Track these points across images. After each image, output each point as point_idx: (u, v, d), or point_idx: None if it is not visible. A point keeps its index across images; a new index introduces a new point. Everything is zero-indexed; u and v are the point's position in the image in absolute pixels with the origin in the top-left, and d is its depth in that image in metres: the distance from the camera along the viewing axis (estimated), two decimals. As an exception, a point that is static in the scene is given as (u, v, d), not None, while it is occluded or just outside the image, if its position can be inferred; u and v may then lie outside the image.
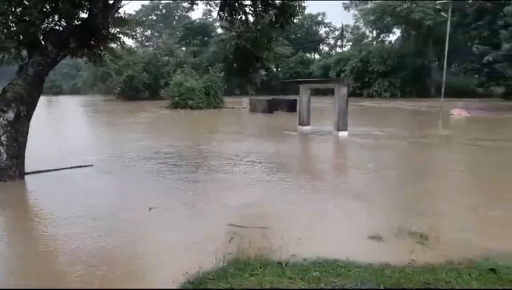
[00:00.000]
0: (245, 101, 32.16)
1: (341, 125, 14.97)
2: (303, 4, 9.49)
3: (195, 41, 64.05)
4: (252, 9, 10.22)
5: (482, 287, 3.55)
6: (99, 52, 9.19)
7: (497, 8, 32.65)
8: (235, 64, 11.55)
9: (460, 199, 7.06)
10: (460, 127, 19.46)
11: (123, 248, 4.74)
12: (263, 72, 48.82)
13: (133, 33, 11.03)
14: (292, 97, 27.57)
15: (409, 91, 44.88)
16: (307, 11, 65.88)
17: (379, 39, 58.46)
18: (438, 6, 30.50)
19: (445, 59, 26.00)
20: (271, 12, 9.79)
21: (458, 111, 24.34)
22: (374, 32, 59.41)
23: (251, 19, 10.33)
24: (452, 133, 17.06)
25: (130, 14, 9.99)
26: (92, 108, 35.43)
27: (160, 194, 7.13)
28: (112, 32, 9.13)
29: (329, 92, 21.91)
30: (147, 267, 4.35)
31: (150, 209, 6.09)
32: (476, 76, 35.57)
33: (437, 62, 46.59)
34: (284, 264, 4.10)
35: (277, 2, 9.77)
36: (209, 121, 23.57)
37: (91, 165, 9.43)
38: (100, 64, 9.93)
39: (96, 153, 11.30)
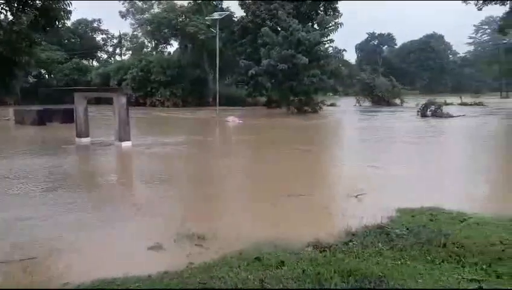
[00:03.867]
0: (10, 111, 27.59)
1: (123, 136, 14.53)
2: (68, 8, 8.75)
3: None
4: (6, 8, 8.84)
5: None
6: None
7: (257, 28, 37.79)
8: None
9: (236, 200, 7.81)
10: (235, 132, 21.64)
11: None
12: (30, 80, 43.03)
13: None
14: (70, 107, 24.99)
15: (189, 101, 47.25)
16: (80, 16, 61.79)
17: (158, 49, 59.52)
18: (207, 22, 33.09)
19: (217, 71, 28.48)
20: (30, 13, 8.67)
21: (233, 119, 26.93)
22: (153, 42, 60.15)
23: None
24: (228, 138, 18.81)
25: None
26: None
27: None
28: None
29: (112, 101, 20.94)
30: None
31: None
32: (246, 87, 40.06)
33: (212, 74, 50.61)
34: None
35: (37, 2, 8.73)
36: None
37: None
38: None
39: None
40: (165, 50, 59.94)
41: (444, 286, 3.63)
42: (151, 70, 46.69)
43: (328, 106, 39.02)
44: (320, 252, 4.57)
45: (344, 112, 37.24)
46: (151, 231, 5.66)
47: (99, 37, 67.98)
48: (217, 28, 28.46)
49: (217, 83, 29.67)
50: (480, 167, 10.80)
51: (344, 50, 37.60)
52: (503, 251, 4.36)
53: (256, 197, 7.91)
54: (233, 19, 44.57)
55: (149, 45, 63.84)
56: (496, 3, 39.64)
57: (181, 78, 47.06)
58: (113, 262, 4.62)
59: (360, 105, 44.91)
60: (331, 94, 46.25)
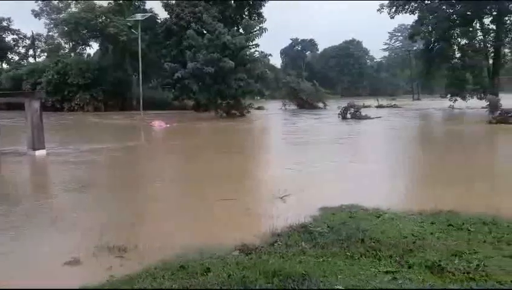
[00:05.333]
0: None
1: (37, 144, 13.47)
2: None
3: None
4: None
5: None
6: None
7: (182, 30, 37.27)
8: None
9: (160, 207, 7.57)
10: (160, 137, 21.10)
11: None
12: None
13: None
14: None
15: (112, 104, 45.19)
16: (-15, 14, 56.38)
17: (77, 51, 56.24)
18: (129, 24, 32.00)
19: (140, 74, 27.63)
20: None
21: (159, 123, 26.22)
22: (70, 43, 56.71)
23: None
24: (153, 143, 18.28)
25: None
26: None
27: None
28: None
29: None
30: None
31: None
32: (172, 90, 39.23)
33: (136, 76, 48.91)
34: None
35: None
36: None
37: None
38: None
39: None
40: (84, 52, 56.84)
41: (362, 279, 3.81)
42: (69, 73, 43.88)
43: (255, 109, 39.56)
44: (246, 255, 4.58)
45: (271, 115, 38.05)
46: (67, 245, 5.27)
47: (9, 38, 62.48)
48: (139, 29, 27.62)
49: (141, 85, 28.77)
50: (395, 165, 11.60)
51: (270, 55, 38.31)
52: (414, 242, 4.70)
53: (181, 203, 7.76)
54: (157, 20, 43.59)
55: (66, 46, 60.09)
56: (406, 13, 43.08)
57: (102, 81, 44.86)
58: (24, 281, 4.22)
59: (286, 108, 46.12)
60: (258, 98, 46.89)
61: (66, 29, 47.94)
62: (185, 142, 18.23)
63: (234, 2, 41.07)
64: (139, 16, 32.44)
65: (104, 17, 44.76)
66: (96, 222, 6.51)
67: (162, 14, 42.86)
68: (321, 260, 4.30)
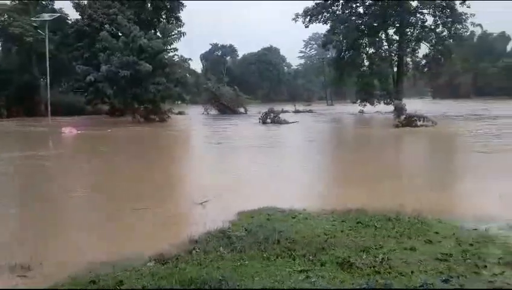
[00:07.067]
0: None
1: None
2: None
3: None
4: None
5: None
6: None
7: (94, 32, 35.44)
8: None
9: (71, 219, 7.08)
10: (71, 144, 19.79)
11: None
12: None
13: None
14: None
15: (17, 110, 41.36)
16: None
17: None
18: (35, 24, 29.81)
19: (48, 77, 25.80)
20: None
21: (69, 129, 24.59)
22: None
23: None
24: (62, 151, 17.09)
25: None
26: None
27: None
28: None
29: None
30: None
31: None
32: (85, 94, 37.08)
33: (44, 79, 45.40)
34: None
35: None
36: None
37: None
38: None
39: None
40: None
41: (278, 280, 3.90)
42: (-36, 75, 39.49)
43: (176, 114, 38.91)
44: (163, 264, 4.45)
45: (192, 121, 37.65)
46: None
47: None
48: (47, 30, 25.75)
49: (48, 89, 26.80)
50: (311, 167, 12.11)
51: (190, 59, 38.03)
52: (326, 241, 4.92)
53: (93, 215, 7.33)
54: (68, 21, 41.03)
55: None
56: (319, 22, 45.44)
57: (5, 84, 40.90)
58: None
59: (208, 113, 46.01)
60: (179, 102, 46.22)
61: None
62: (98, 149, 17.29)
63: (151, 5, 40.13)
64: (46, 16, 30.23)
65: (6, 16, 41.01)
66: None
67: (73, 15, 40.52)
68: (239, 263, 4.31)
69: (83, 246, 5.55)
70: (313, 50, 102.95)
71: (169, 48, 33.53)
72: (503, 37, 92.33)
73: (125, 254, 4.92)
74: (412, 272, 4.00)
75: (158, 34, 35.08)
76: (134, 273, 4.23)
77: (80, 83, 35.00)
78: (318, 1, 44.08)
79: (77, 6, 38.92)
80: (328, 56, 67.37)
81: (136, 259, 4.67)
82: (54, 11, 41.31)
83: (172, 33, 34.25)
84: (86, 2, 38.95)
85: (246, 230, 5.44)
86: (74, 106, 41.56)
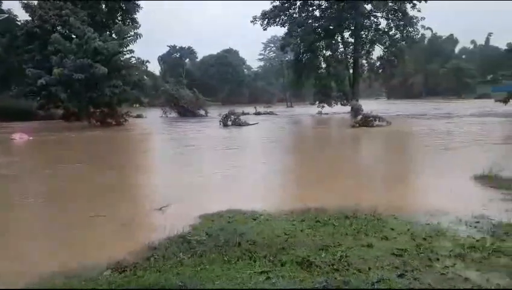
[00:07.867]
0: None
1: None
2: None
3: None
4: None
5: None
6: None
7: (46, 34, 34.01)
8: None
9: (20, 229, 6.72)
10: (21, 151, 18.87)
11: None
12: None
13: None
14: None
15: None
16: None
17: None
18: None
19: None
20: None
21: (20, 135, 23.43)
22: None
23: None
24: (12, 158, 16.26)
25: None
26: None
27: None
28: None
29: None
30: None
31: None
32: (37, 99, 35.51)
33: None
34: None
35: None
36: None
37: None
38: None
39: None
40: None
41: (238, 283, 3.88)
42: None
43: (134, 117, 38.00)
44: (120, 273, 4.31)
45: (151, 124, 36.94)
46: None
47: None
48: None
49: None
50: (272, 167, 12.18)
51: (147, 61, 37.23)
52: (286, 240, 4.95)
53: (47, 223, 7.00)
54: (17, 22, 39.16)
55: None
56: (277, 25, 45.97)
57: None
58: None
59: (167, 116, 45.30)
60: (137, 105, 45.26)
61: None
62: (52, 156, 16.58)
63: (105, 7, 39.05)
64: (-7, 17, 28.72)
65: None
66: None
67: (23, 16, 38.71)
68: (199, 268, 4.26)
69: (35, 256, 5.29)
70: (272, 52, 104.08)
71: (125, 49, 32.74)
72: (451, 40, 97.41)
73: (80, 263, 4.73)
74: (369, 268, 4.10)
75: (114, 35, 34.17)
76: (89, 283, 4.09)
77: (31, 87, 33.48)
78: (276, 4, 44.63)
79: (27, 7, 37.18)
80: (287, 59, 68.29)
81: (92, 268, 4.51)
82: (1, 12, 39.32)
83: (129, 35, 33.46)
84: (36, 3, 37.30)
85: (206, 234, 5.38)
86: (26, 111, 39.71)
